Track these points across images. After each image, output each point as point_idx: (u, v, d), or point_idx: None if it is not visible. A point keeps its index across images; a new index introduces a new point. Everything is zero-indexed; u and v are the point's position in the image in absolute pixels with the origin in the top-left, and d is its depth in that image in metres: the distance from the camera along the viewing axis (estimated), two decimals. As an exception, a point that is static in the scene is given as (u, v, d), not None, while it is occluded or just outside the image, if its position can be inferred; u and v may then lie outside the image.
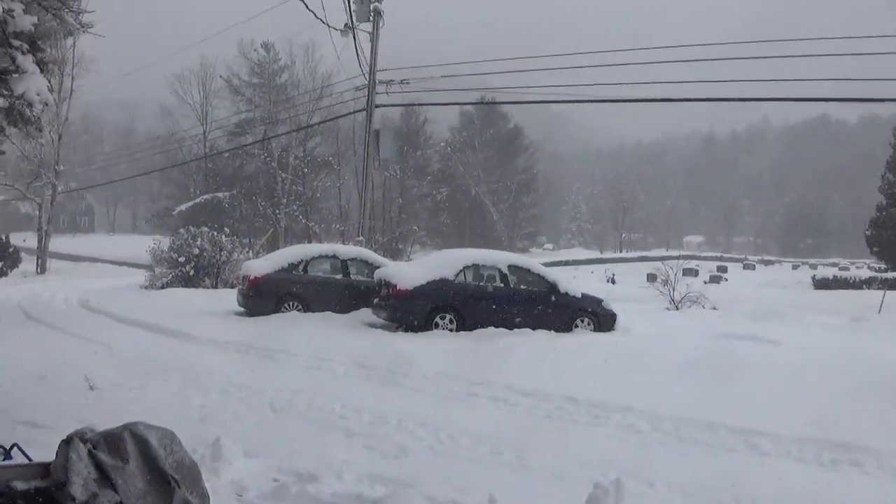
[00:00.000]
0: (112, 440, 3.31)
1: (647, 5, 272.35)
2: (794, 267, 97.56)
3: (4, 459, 3.65)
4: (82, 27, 12.40)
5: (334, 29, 29.32)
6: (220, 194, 68.47)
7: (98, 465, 3.20)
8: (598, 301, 19.99)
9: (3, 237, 46.92)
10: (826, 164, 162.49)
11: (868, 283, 50.78)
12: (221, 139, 73.64)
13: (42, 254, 50.01)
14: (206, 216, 60.16)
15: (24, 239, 62.77)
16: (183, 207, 67.85)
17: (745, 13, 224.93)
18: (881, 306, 29.65)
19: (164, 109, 79.47)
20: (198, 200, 68.35)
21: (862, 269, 74.99)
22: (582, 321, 19.42)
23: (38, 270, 48.77)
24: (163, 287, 29.47)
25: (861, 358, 14.92)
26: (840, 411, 10.52)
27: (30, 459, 3.52)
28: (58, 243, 57.91)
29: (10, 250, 46.25)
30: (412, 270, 19.63)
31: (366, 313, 19.76)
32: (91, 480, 3.14)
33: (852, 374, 13.28)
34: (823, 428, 9.43)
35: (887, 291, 34.30)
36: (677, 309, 28.19)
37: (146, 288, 30.20)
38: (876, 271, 61.13)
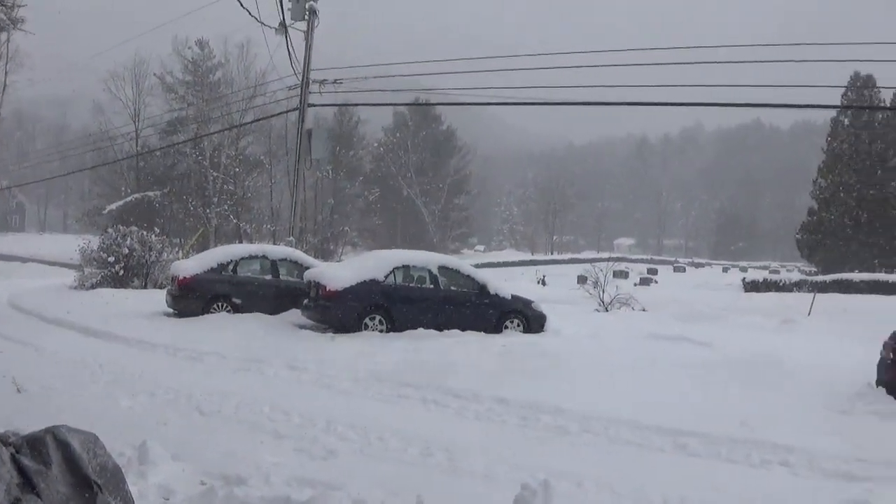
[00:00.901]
0: (35, 444, 3.29)
1: (589, 9, 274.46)
2: (725, 269, 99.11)
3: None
4: (13, 23, 12.25)
5: (268, 27, 29.10)
6: (150, 193, 67.35)
7: (21, 470, 3.18)
8: (528, 302, 20.08)
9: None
10: (758, 169, 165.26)
11: (798, 286, 51.48)
12: (153, 137, 72.52)
13: (-30, 253, 49.05)
14: (136, 215, 59.26)
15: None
16: (113, 207, 66.65)
17: (680, 18, 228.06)
18: (811, 309, 30.19)
19: (97, 106, 78.03)
20: (128, 199, 67.20)
21: (792, 272, 76.36)
22: (512, 322, 19.50)
23: (-34, 270, 47.82)
24: (92, 287, 29.03)
25: (790, 360, 15.17)
26: (770, 412, 10.73)
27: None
28: (-13, 242, 56.85)
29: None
30: (342, 271, 19.55)
31: (295, 314, 19.66)
32: (14, 485, 3.11)
33: (782, 375, 13.48)
34: (754, 428, 9.60)
35: (817, 294, 34.98)
36: (607, 311, 28.52)
37: (76, 288, 29.74)
38: (806, 274, 62.26)
